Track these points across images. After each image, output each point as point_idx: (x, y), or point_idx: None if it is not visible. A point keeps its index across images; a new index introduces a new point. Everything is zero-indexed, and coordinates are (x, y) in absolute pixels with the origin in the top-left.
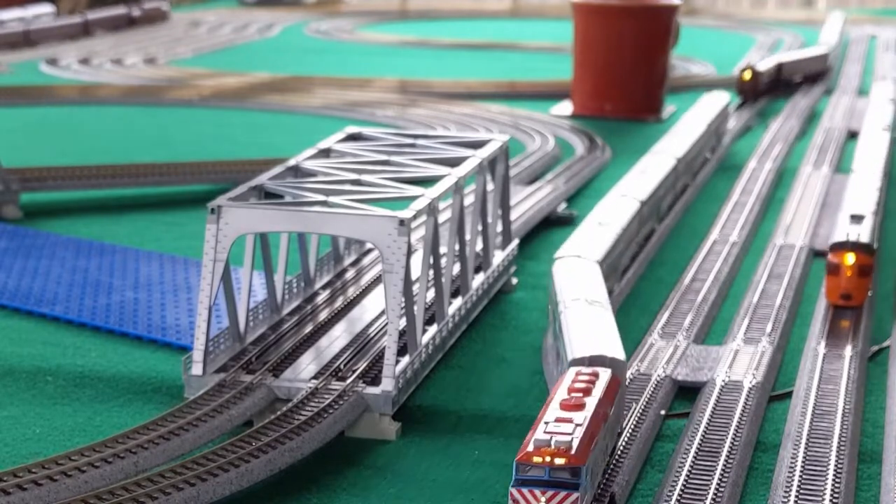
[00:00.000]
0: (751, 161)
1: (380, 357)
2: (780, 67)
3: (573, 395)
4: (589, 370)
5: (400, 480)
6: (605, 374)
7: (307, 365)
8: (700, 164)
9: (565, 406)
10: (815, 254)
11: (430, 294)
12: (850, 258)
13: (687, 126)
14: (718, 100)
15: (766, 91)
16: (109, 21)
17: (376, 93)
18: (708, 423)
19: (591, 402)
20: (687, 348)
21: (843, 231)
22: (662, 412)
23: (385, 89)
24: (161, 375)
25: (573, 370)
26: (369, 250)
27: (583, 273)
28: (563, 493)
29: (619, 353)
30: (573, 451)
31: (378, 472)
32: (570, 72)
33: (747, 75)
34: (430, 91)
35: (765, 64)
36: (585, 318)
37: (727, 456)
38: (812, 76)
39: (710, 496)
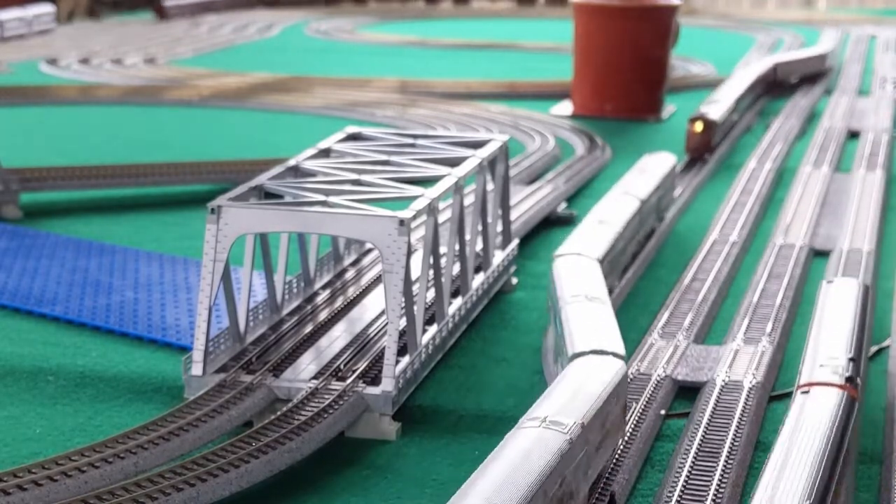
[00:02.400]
0: (750, 161)
1: (380, 357)
2: (826, 56)
3: None
4: None
5: (400, 480)
6: None
7: (307, 365)
8: (630, 258)
9: None
10: (815, 253)
11: (430, 294)
12: None
13: (616, 209)
14: (663, 162)
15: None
16: None
17: (376, 93)
18: (708, 423)
19: None
20: (687, 348)
21: None
22: (662, 412)
23: (385, 89)
24: (161, 375)
25: None
26: (369, 250)
27: None
28: None
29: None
30: None
31: (378, 472)
32: (570, 72)
33: (699, 127)
34: (430, 91)
35: (718, 110)
36: None
37: (727, 456)
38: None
39: (710, 496)
